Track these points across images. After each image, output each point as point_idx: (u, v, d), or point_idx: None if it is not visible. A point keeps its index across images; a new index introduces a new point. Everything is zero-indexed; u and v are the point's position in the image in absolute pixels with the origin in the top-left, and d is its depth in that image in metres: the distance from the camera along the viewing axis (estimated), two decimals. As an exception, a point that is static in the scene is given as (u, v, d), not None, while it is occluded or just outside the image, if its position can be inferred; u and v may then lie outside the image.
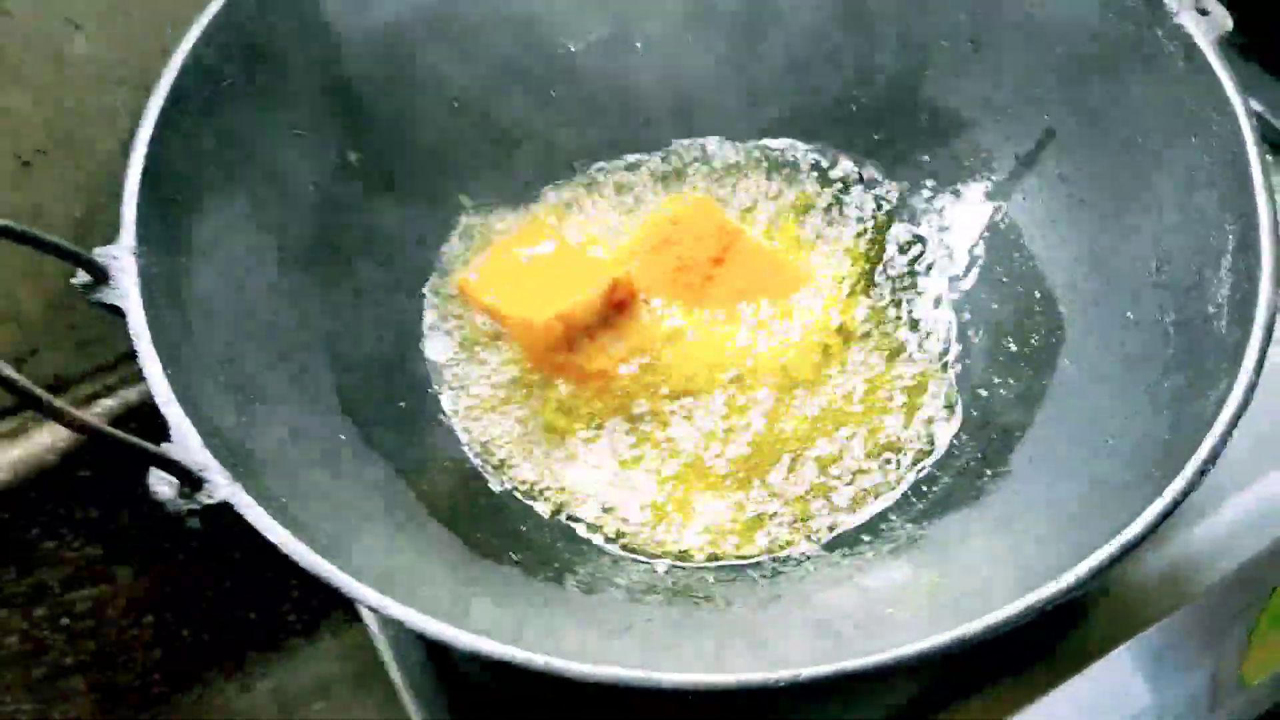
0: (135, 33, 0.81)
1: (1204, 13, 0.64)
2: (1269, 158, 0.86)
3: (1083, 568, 0.47)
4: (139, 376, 0.78)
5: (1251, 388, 0.52)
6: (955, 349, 0.73)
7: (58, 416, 0.44)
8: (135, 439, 0.47)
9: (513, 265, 0.75)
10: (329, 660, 1.00)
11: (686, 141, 0.82)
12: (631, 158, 0.82)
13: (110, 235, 0.85)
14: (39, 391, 0.42)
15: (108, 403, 0.93)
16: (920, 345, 0.74)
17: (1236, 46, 0.92)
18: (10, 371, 0.41)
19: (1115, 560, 0.48)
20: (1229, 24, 0.63)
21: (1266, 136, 0.88)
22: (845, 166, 0.81)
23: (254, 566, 0.95)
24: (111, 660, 0.94)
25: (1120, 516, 0.51)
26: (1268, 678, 0.76)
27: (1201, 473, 0.50)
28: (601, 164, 0.82)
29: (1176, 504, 0.49)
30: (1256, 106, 0.88)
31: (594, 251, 0.78)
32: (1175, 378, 0.58)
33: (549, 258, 0.75)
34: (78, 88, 0.80)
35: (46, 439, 0.89)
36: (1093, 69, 0.68)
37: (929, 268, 0.76)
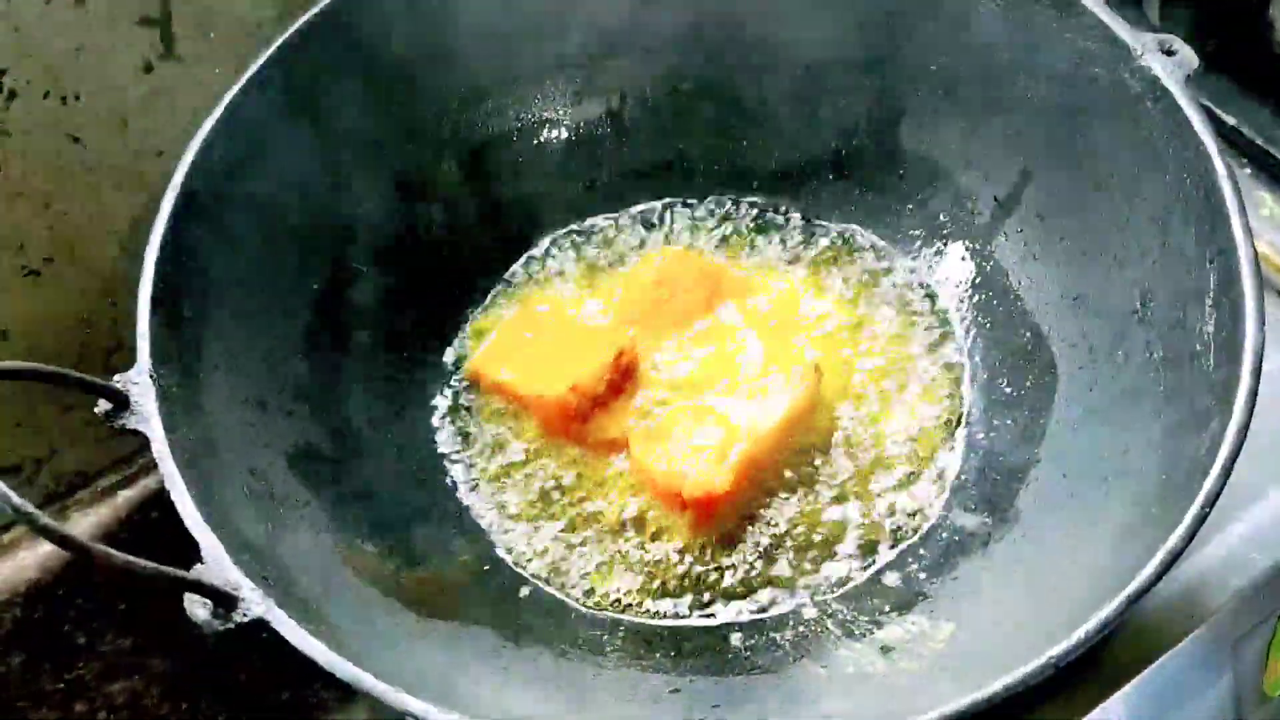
0: (133, 144, 0.83)
1: (1170, 53, 0.65)
2: (1247, 171, 0.89)
3: (1092, 623, 0.49)
4: (155, 466, 0.80)
5: (1244, 429, 0.53)
6: (954, 393, 0.74)
7: (90, 556, 0.46)
8: (169, 569, 0.49)
9: (519, 344, 0.77)
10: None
11: (660, 203, 0.85)
12: (617, 219, 0.85)
13: (119, 335, 0.88)
14: (90, 544, 0.44)
15: (128, 494, 0.95)
16: (921, 390, 0.75)
17: (1209, 61, 0.94)
18: (59, 527, 0.43)
19: (1122, 613, 0.49)
20: (1195, 62, 0.65)
21: (1242, 149, 0.89)
22: (828, 219, 0.83)
23: (284, 645, 0.96)
24: (153, 750, 0.95)
25: (1126, 561, 0.52)
26: (1288, 689, 0.77)
27: (1201, 517, 0.51)
28: (589, 223, 0.84)
29: (1179, 552, 0.50)
30: (1230, 120, 0.90)
31: (592, 315, 0.80)
32: (1168, 415, 0.59)
33: (552, 332, 0.77)
34: (79, 198, 0.82)
35: (73, 531, 0.91)
36: (1064, 112, 0.70)
37: (923, 311, 0.78)
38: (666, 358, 0.77)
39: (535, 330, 0.77)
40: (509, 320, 0.79)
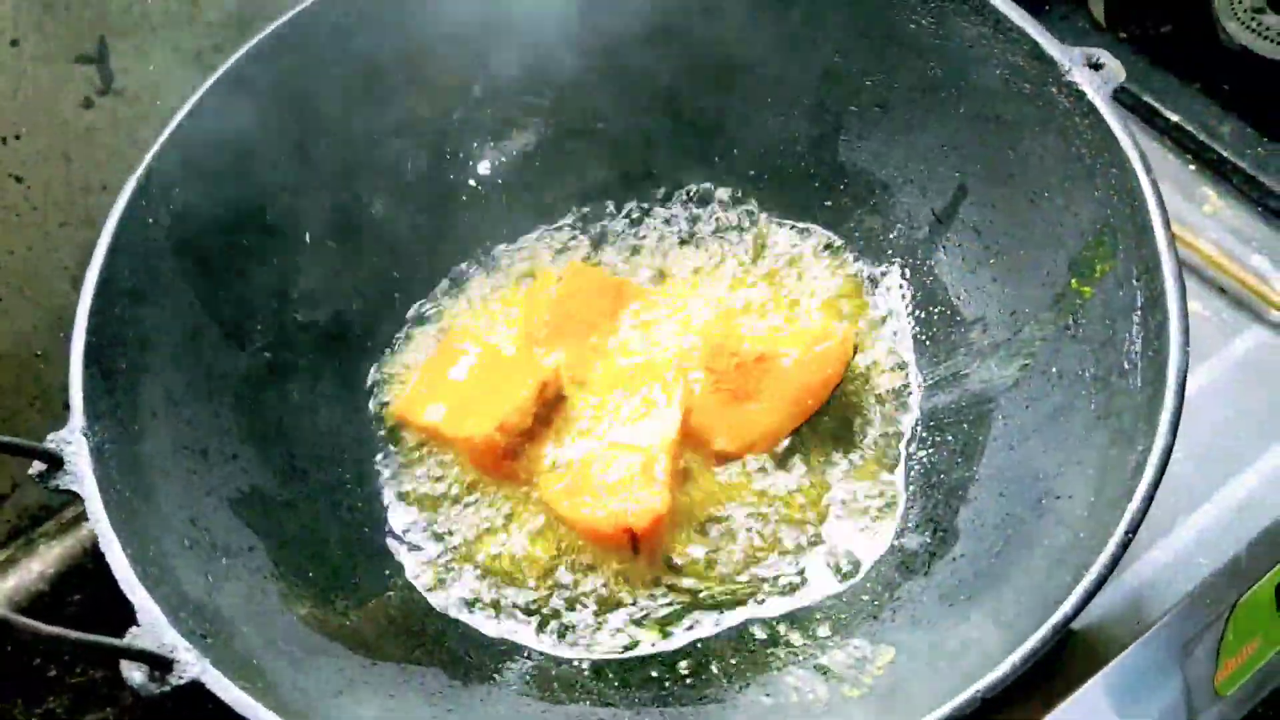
0: (76, 180, 0.83)
1: (1097, 67, 0.65)
2: (1191, 167, 0.89)
3: (1018, 655, 0.49)
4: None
5: (1167, 451, 0.53)
6: (897, 407, 0.75)
7: (22, 631, 0.46)
8: (103, 639, 0.49)
9: (442, 383, 0.76)
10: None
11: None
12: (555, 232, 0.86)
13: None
14: (15, 619, 0.44)
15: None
16: (863, 403, 0.75)
17: (1152, 57, 0.94)
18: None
19: (1048, 641, 0.50)
20: (1122, 75, 0.65)
21: (1186, 145, 0.90)
22: (765, 230, 0.83)
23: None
24: (125, 782, 0.96)
25: (1057, 585, 0.53)
26: (1239, 687, 0.78)
27: (1125, 544, 0.51)
28: (528, 237, 0.85)
29: (1104, 578, 0.51)
30: (1173, 116, 0.90)
31: (505, 341, 0.80)
32: (1098, 434, 0.60)
33: (475, 368, 0.77)
34: (26, 236, 0.82)
35: (36, 567, 0.91)
36: (996, 127, 0.70)
37: (863, 326, 0.78)
38: (573, 378, 0.77)
39: (456, 367, 0.77)
40: (429, 360, 0.79)
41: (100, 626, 0.93)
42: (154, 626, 0.52)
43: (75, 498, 0.91)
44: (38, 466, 0.57)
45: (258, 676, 0.53)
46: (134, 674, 0.51)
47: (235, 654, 0.54)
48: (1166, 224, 0.59)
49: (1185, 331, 0.56)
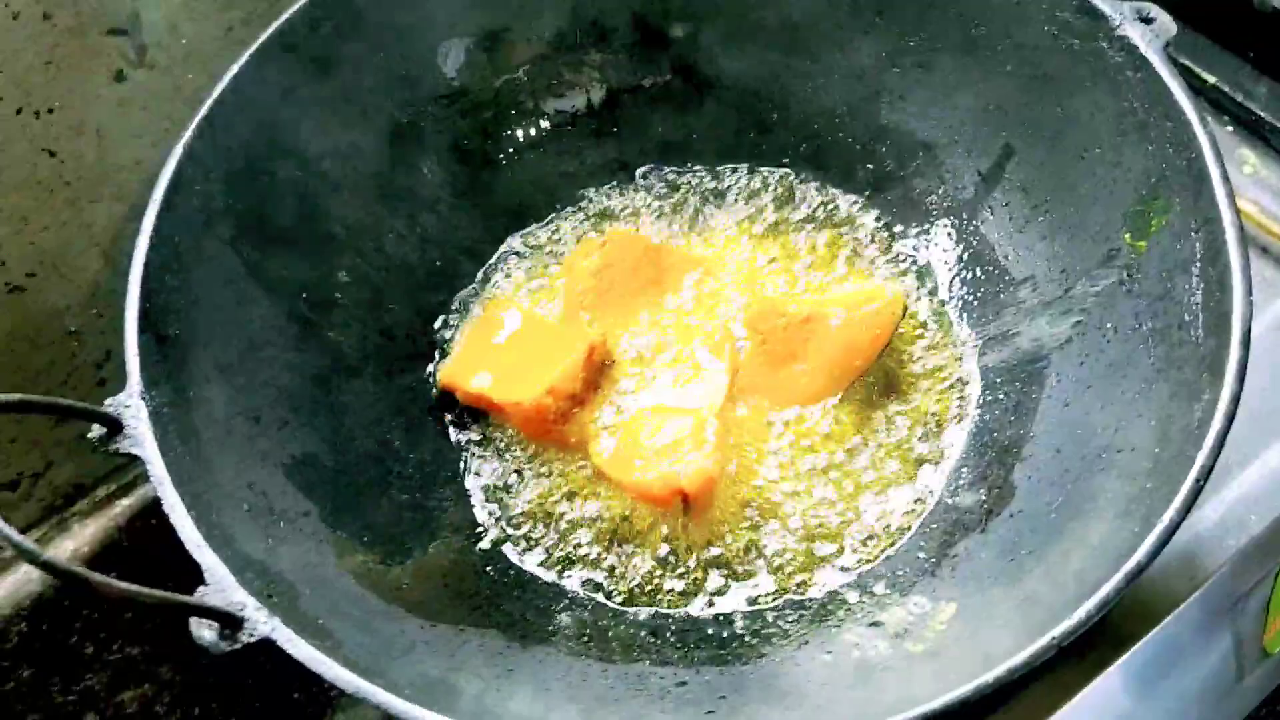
0: (109, 155, 0.82)
1: (1148, 20, 0.65)
2: (1229, 128, 0.89)
3: (1093, 601, 0.49)
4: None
5: (1235, 399, 0.53)
6: (947, 370, 0.75)
7: (97, 588, 0.46)
8: (173, 596, 0.49)
9: (488, 349, 0.76)
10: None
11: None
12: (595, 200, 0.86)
13: (108, 346, 0.87)
14: (85, 572, 0.44)
15: (127, 502, 0.94)
16: (914, 367, 0.75)
17: (1187, 19, 0.93)
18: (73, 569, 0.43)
19: (1123, 589, 0.49)
20: (1173, 29, 0.65)
21: (1223, 107, 0.89)
22: (809, 194, 0.83)
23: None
24: (167, 757, 0.96)
25: (1123, 536, 0.53)
26: (1288, 644, 0.78)
27: (1196, 490, 0.51)
28: (581, 201, 0.85)
29: (1176, 525, 0.51)
30: (1210, 78, 0.90)
31: (548, 308, 0.80)
32: (1159, 387, 0.60)
33: (519, 334, 0.77)
34: (59, 212, 0.82)
35: (70, 545, 0.91)
36: (1043, 84, 0.70)
37: (912, 288, 0.78)
38: (620, 344, 0.77)
39: (500, 334, 0.77)
40: (474, 326, 0.79)
41: (138, 606, 0.94)
42: (222, 585, 0.52)
43: (107, 476, 0.93)
44: (97, 430, 0.57)
45: (325, 636, 0.53)
46: (204, 632, 0.51)
47: (301, 614, 0.54)
48: (1224, 174, 0.59)
49: (1248, 280, 0.56)
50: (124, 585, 0.46)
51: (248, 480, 0.62)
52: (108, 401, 0.58)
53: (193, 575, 0.53)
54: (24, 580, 0.89)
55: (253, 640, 0.51)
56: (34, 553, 0.44)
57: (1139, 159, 0.64)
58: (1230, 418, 0.53)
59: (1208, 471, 0.52)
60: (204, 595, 0.51)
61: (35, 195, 0.80)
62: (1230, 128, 0.89)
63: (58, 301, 0.84)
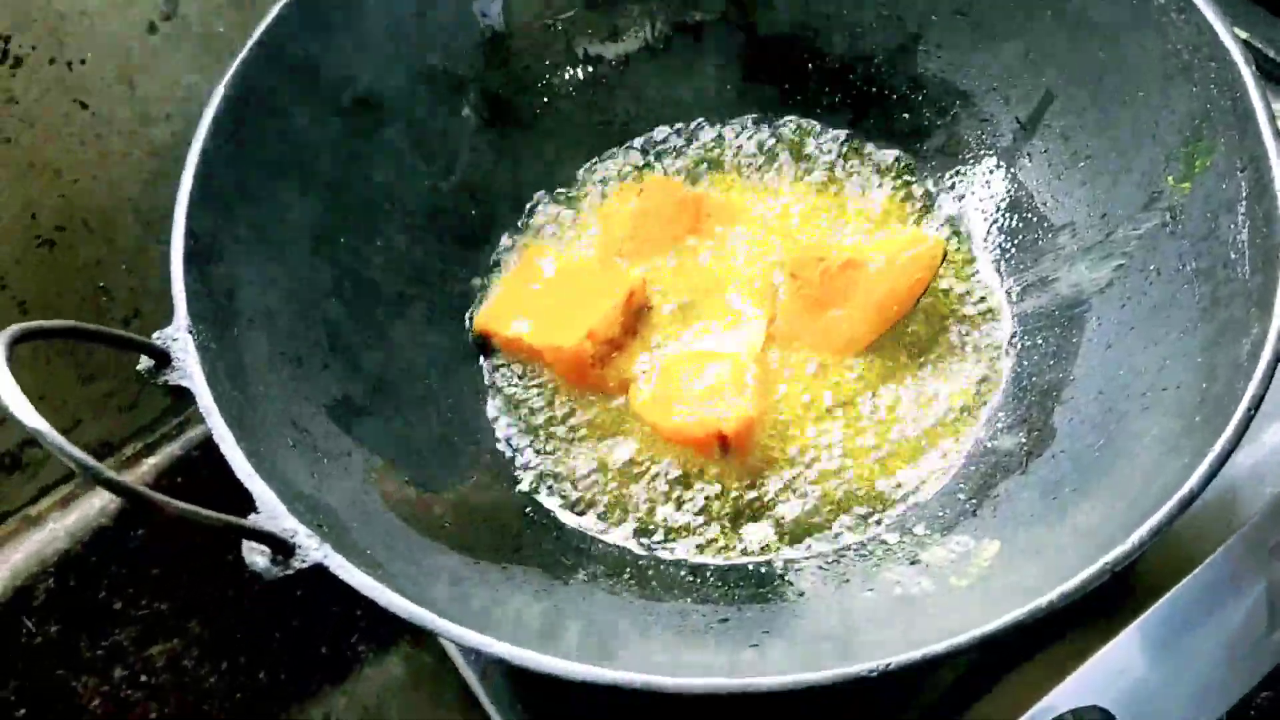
0: (140, 108, 0.82)
1: (1191, -38, 0.65)
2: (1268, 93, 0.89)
3: (1146, 528, 0.49)
4: (177, 432, 0.80)
5: (1285, 330, 0.53)
6: (986, 315, 0.75)
7: (156, 507, 0.46)
8: (228, 517, 0.49)
9: (525, 295, 0.76)
10: (402, 679, 1.02)
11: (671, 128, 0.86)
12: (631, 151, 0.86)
13: (136, 303, 0.87)
14: (145, 491, 0.44)
15: (152, 461, 0.95)
16: (951, 313, 0.75)
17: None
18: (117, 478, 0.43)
19: (1176, 516, 0.49)
20: (1217, -30, 0.64)
21: (1257, 64, 0.89)
22: (845, 143, 0.83)
23: (319, 601, 0.97)
24: (196, 710, 0.96)
25: (1170, 470, 0.53)
26: (1322, 595, 0.78)
27: (1247, 420, 0.51)
28: (598, 160, 0.85)
29: (1228, 453, 0.51)
30: (1242, 34, 0.89)
31: (585, 254, 0.80)
32: (1205, 326, 0.60)
33: (557, 280, 0.77)
34: (89, 165, 0.82)
35: (97, 503, 0.91)
36: (1084, 29, 0.70)
37: (952, 238, 0.78)
38: (658, 291, 0.77)
39: (538, 280, 0.77)
40: (511, 272, 0.79)
41: (163, 563, 0.94)
42: (274, 512, 0.52)
43: (134, 435, 0.93)
44: (145, 363, 0.57)
45: (375, 566, 0.53)
46: (256, 558, 0.51)
47: (351, 544, 0.54)
48: (1270, 112, 0.59)
49: (1297, 215, 0.56)
50: (181, 504, 0.46)
51: (291, 418, 0.62)
52: (155, 334, 0.58)
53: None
54: (50, 538, 0.89)
55: (304, 566, 0.51)
56: (97, 469, 0.44)
57: (1183, 101, 0.64)
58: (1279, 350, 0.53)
59: (1259, 400, 0.52)
60: (256, 521, 0.51)
61: (67, 148, 0.80)
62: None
63: (87, 256, 0.84)
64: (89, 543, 0.90)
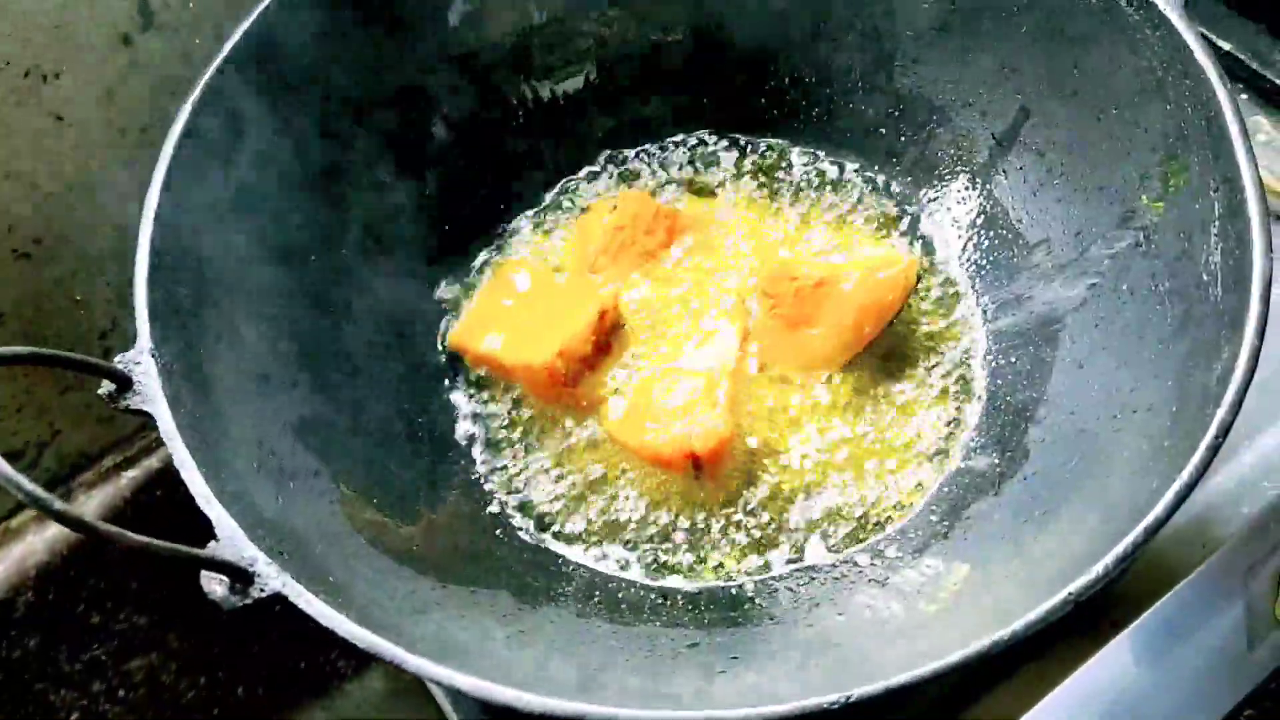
0: (117, 120, 0.82)
1: (1166, -22, 0.64)
2: (1243, 96, 0.88)
3: (1110, 557, 0.49)
4: (157, 444, 0.79)
5: (1255, 356, 0.53)
6: (959, 335, 0.74)
7: (110, 539, 0.45)
8: (184, 548, 0.48)
9: (498, 311, 0.76)
10: (382, 695, 1.02)
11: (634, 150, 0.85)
12: (608, 165, 0.85)
13: (114, 314, 0.87)
14: (103, 526, 0.43)
15: (132, 473, 0.94)
16: (925, 333, 0.75)
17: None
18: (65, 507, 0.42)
19: (1141, 545, 0.49)
20: (1192, -15, 0.64)
21: (1236, 74, 0.89)
22: (819, 161, 0.83)
23: (298, 616, 0.97)
24: (173, 724, 0.96)
25: (1140, 494, 0.52)
26: (1300, 614, 0.77)
27: (1215, 447, 0.51)
28: (572, 176, 0.85)
29: (1195, 481, 0.50)
30: (1225, 45, 0.89)
31: (561, 270, 0.80)
32: (1176, 347, 0.59)
33: (530, 296, 0.76)
34: (66, 177, 0.81)
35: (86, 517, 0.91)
36: (1060, 45, 0.69)
37: (926, 256, 0.77)
38: (632, 306, 0.77)
39: (511, 296, 0.76)
40: (484, 288, 0.79)
41: (144, 574, 0.93)
42: (233, 540, 0.51)
43: (114, 445, 0.93)
44: (107, 387, 0.57)
45: (336, 592, 0.52)
46: (215, 587, 0.50)
47: (312, 570, 0.54)
48: (1244, 131, 0.58)
49: (1268, 236, 0.55)
50: (136, 537, 0.46)
51: (258, 438, 0.61)
52: (118, 358, 0.57)
53: (202, 544, 0.52)
54: (28, 551, 0.89)
55: (264, 595, 0.50)
56: (48, 503, 0.44)
57: (1157, 119, 0.64)
58: (1251, 373, 0.52)
59: (1227, 428, 0.51)
60: (215, 550, 0.51)
61: (43, 160, 0.80)
62: (1244, 95, 0.88)
63: (65, 269, 0.84)
64: (68, 556, 0.90)
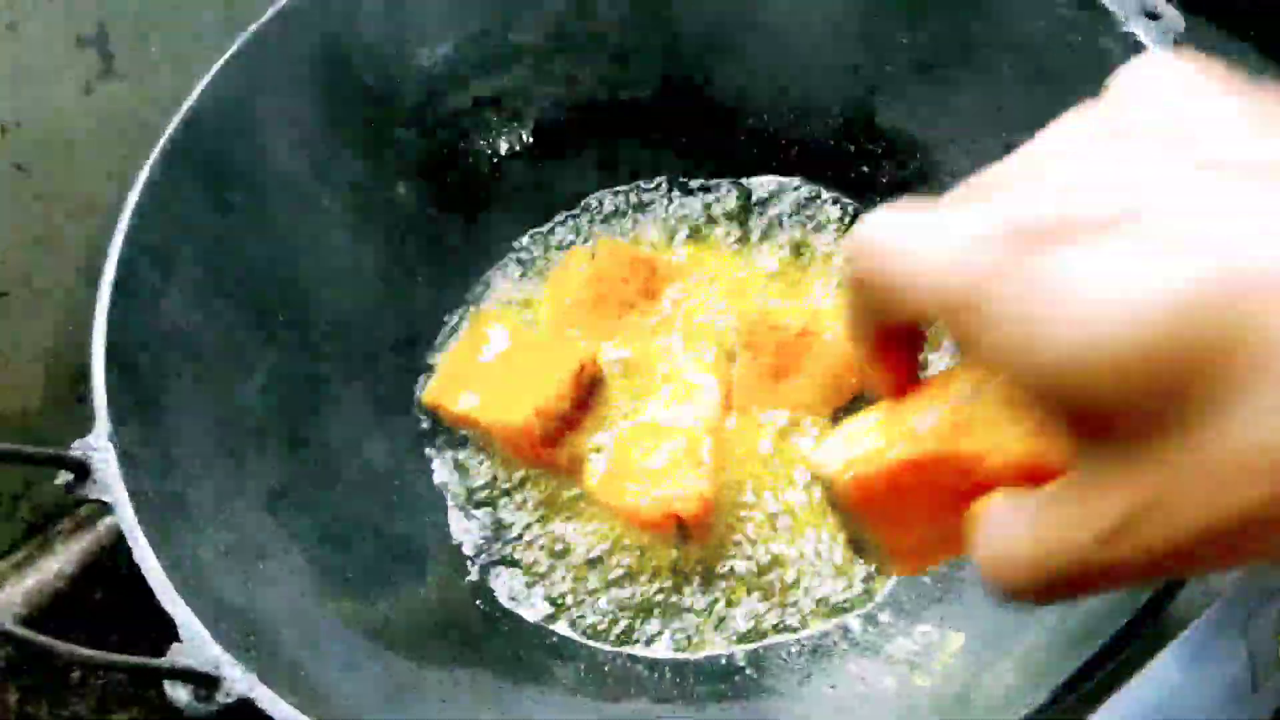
0: (81, 169, 0.80)
1: (1154, 17, 0.62)
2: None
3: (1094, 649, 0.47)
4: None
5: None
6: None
7: (58, 656, 0.44)
8: (145, 660, 0.47)
9: (474, 368, 0.73)
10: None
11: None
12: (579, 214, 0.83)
13: (85, 362, 0.85)
14: (50, 642, 0.42)
15: (109, 520, 0.93)
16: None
17: (1192, 7, 0.90)
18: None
19: (1137, 629, 0.47)
20: (1181, 24, 0.62)
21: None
22: (801, 201, 0.81)
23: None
24: (156, 781, 0.95)
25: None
26: (1304, 656, 0.76)
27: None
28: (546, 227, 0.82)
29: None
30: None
31: (534, 323, 0.78)
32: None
33: (506, 351, 0.74)
34: (32, 228, 0.79)
35: (54, 566, 0.90)
36: (1044, 82, 0.67)
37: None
38: (611, 360, 0.75)
39: (486, 352, 0.74)
40: (459, 344, 0.76)
41: (125, 622, 0.92)
42: (197, 641, 0.49)
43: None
44: (64, 477, 0.55)
45: (306, 686, 0.51)
46: (179, 693, 0.48)
47: (281, 663, 0.52)
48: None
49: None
50: (88, 652, 0.44)
51: (225, 517, 0.59)
52: (74, 444, 0.55)
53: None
54: (7, 603, 0.87)
55: (230, 701, 0.48)
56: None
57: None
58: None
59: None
60: (178, 654, 0.49)
61: (6, 211, 0.78)
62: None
63: (32, 319, 0.82)
64: (46, 608, 0.88)
